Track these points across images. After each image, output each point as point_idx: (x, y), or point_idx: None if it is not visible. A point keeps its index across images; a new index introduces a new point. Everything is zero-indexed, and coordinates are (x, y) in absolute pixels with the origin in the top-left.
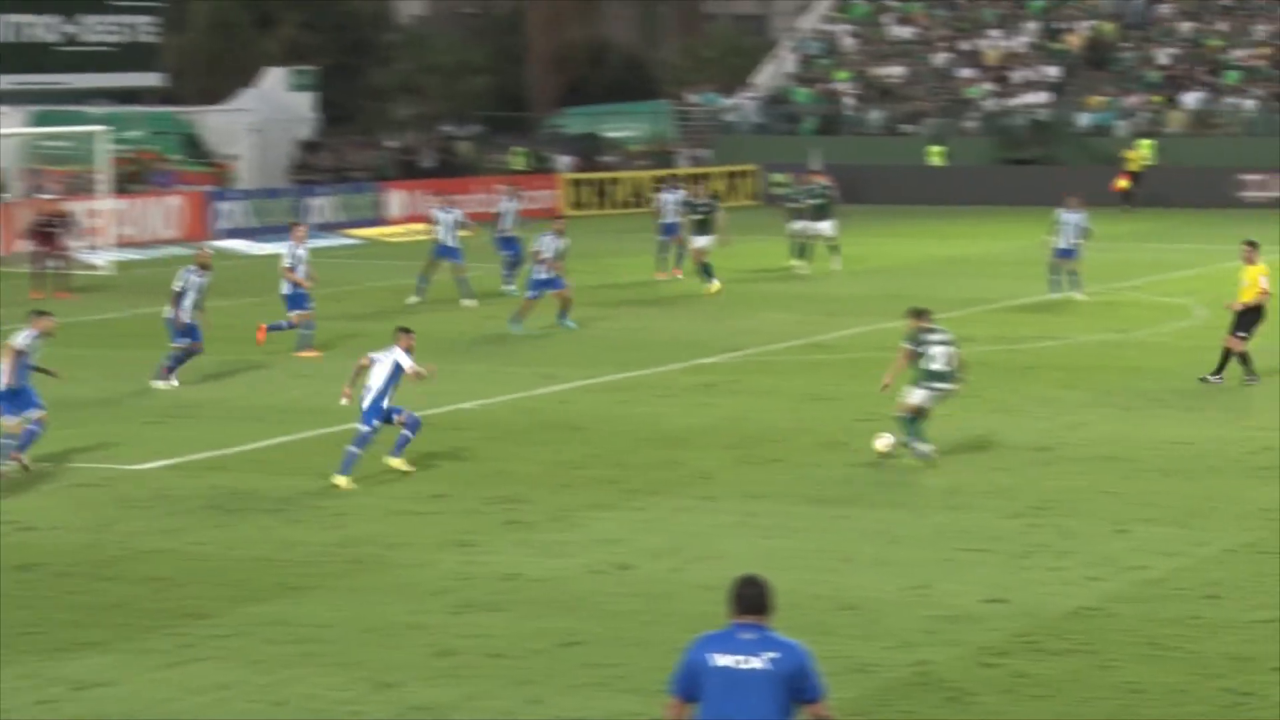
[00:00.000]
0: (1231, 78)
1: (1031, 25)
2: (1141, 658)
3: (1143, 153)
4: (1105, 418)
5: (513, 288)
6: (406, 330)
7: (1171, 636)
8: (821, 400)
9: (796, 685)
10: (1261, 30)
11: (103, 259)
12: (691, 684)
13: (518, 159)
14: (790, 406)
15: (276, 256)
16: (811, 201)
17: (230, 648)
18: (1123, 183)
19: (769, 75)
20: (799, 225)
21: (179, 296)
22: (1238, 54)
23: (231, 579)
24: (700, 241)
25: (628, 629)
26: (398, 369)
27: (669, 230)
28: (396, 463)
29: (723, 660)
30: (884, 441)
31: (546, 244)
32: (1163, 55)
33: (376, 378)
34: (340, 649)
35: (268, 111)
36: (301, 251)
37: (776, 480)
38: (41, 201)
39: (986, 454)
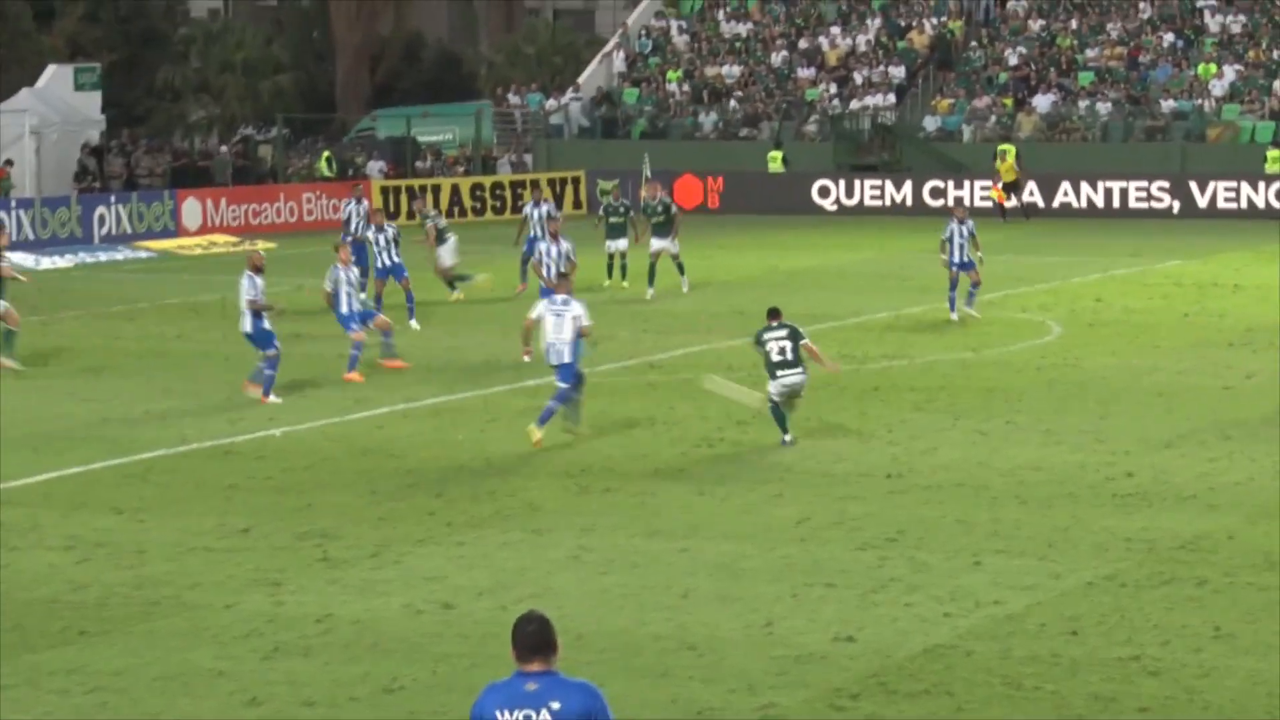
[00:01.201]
0: (1084, 79)
1: (874, 23)
2: (999, 698)
3: (1010, 162)
4: (958, 442)
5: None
6: (564, 275)
7: (1030, 675)
8: (657, 424)
9: None
10: (1114, 29)
11: None
12: None
13: (322, 164)
14: (624, 431)
15: (61, 271)
16: (654, 219)
17: (15, 699)
18: (996, 194)
19: (595, 75)
20: (621, 244)
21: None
22: (1090, 54)
23: (15, 623)
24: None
25: (451, 673)
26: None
27: (529, 245)
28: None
29: (507, 717)
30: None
31: (545, 252)
32: (1013, 55)
33: (563, 331)
34: (137, 699)
35: (49, 112)
36: (343, 274)
37: (610, 511)
38: None
39: (834, 481)
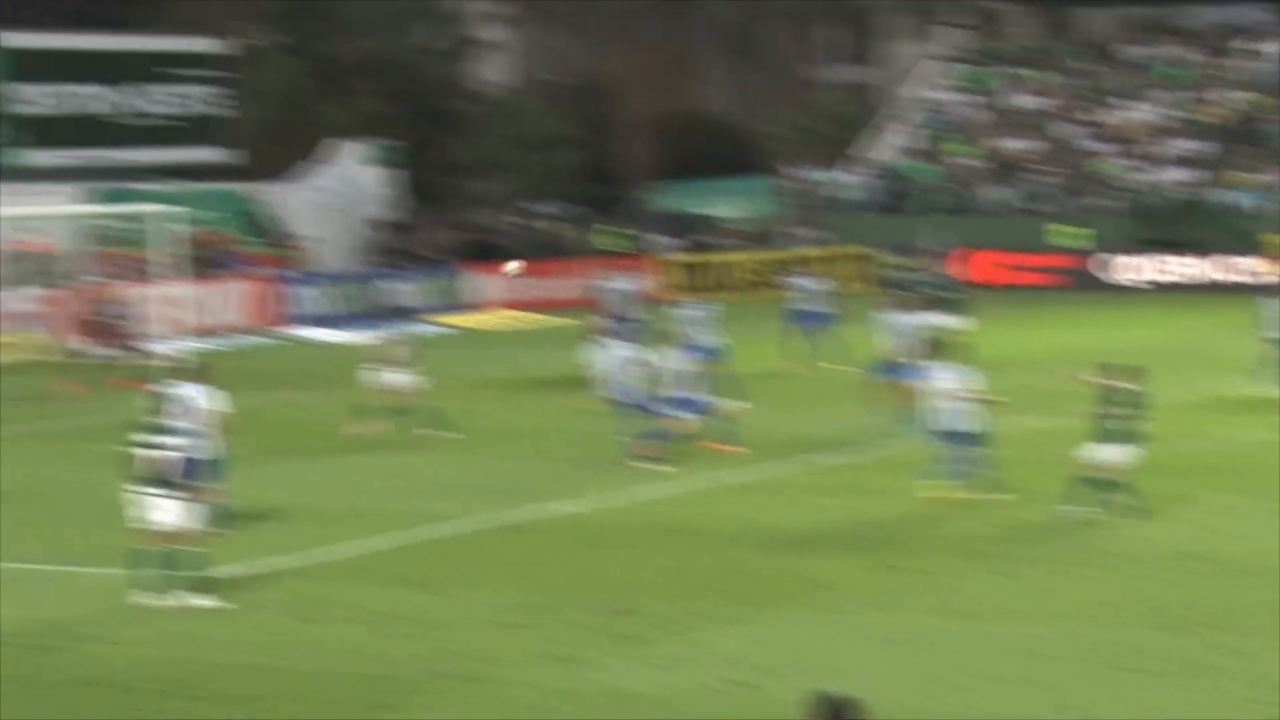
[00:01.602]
0: None
1: (1172, 95)
2: None
3: None
4: (1268, 524)
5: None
6: (939, 343)
7: None
8: (955, 503)
9: None
10: None
11: (166, 348)
12: None
13: (608, 238)
14: (922, 511)
15: (356, 345)
16: (936, 293)
17: None
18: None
19: (883, 148)
20: (917, 320)
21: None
22: None
23: (320, 696)
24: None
25: None
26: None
27: (800, 318)
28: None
29: None
30: None
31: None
32: None
33: (947, 393)
34: None
35: (342, 188)
36: (674, 359)
37: (908, 590)
38: (99, 288)
39: (1137, 563)
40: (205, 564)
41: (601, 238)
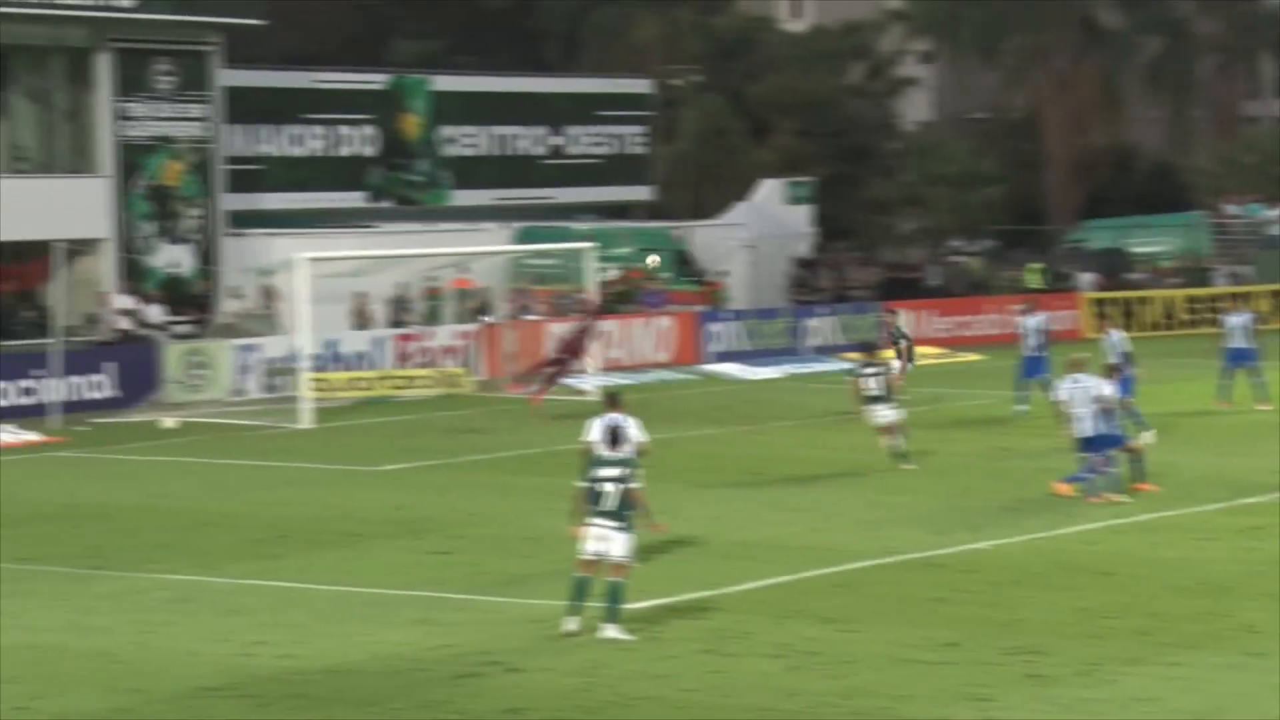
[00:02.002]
0: None
1: None
2: None
3: None
4: None
5: (1025, 409)
6: None
7: None
8: None
9: None
10: None
11: (589, 383)
12: None
13: (1033, 275)
14: None
15: (770, 381)
16: None
17: None
18: None
19: None
20: None
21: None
22: None
23: None
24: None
25: None
26: None
27: (1228, 356)
28: None
29: None
30: None
31: None
32: None
33: None
34: None
35: (762, 226)
36: (1109, 389)
37: None
38: (523, 324)
39: None
40: (625, 596)
41: (1027, 274)
